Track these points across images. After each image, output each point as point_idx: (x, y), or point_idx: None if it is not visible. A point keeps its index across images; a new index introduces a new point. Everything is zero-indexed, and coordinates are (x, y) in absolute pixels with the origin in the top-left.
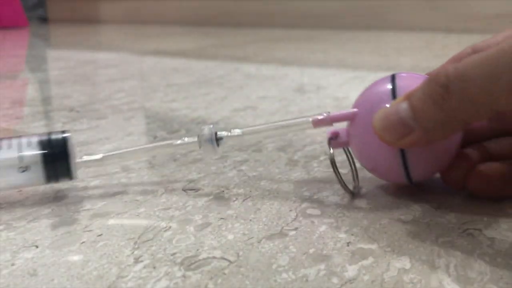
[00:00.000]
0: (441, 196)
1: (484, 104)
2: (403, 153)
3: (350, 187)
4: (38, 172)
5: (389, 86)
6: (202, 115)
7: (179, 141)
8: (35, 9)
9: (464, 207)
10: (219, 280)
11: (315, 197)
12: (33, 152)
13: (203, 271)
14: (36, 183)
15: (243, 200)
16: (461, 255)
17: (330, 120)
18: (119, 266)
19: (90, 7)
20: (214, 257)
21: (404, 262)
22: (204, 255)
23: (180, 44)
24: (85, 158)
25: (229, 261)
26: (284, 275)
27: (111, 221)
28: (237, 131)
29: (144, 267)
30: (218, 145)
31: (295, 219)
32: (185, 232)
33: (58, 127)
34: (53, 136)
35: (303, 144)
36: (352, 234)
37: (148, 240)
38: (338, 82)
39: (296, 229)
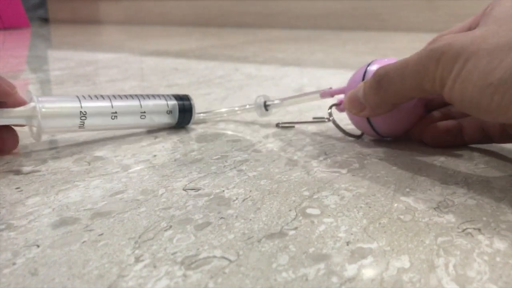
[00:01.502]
0: (440, 196)
1: (402, 94)
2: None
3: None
4: (175, 116)
5: (363, 70)
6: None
7: (237, 108)
8: (36, 10)
9: (463, 207)
10: (219, 279)
11: (314, 196)
12: (174, 102)
13: (204, 270)
14: (172, 124)
15: (243, 200)
16: (460, 254)
17: (330, 93)
18: (119, 265)
19: (90, 8)
20: (214, 257)
21: (404, 262)
22: (204, 255)
23: (181, 45)
24: (202, 115)
25: (229, 260)
26: (284, 274)
27: (112, 221)
28: (276, 101)
29: (145, 266)
30: (266, 109)
31: (294, 218)
32: (185, 232)
33: None
34: (181, 95)
35: (303, 144)
36: (352, 234)
37: (149, 240)
38: (338, 82)
39: (296, 228)
